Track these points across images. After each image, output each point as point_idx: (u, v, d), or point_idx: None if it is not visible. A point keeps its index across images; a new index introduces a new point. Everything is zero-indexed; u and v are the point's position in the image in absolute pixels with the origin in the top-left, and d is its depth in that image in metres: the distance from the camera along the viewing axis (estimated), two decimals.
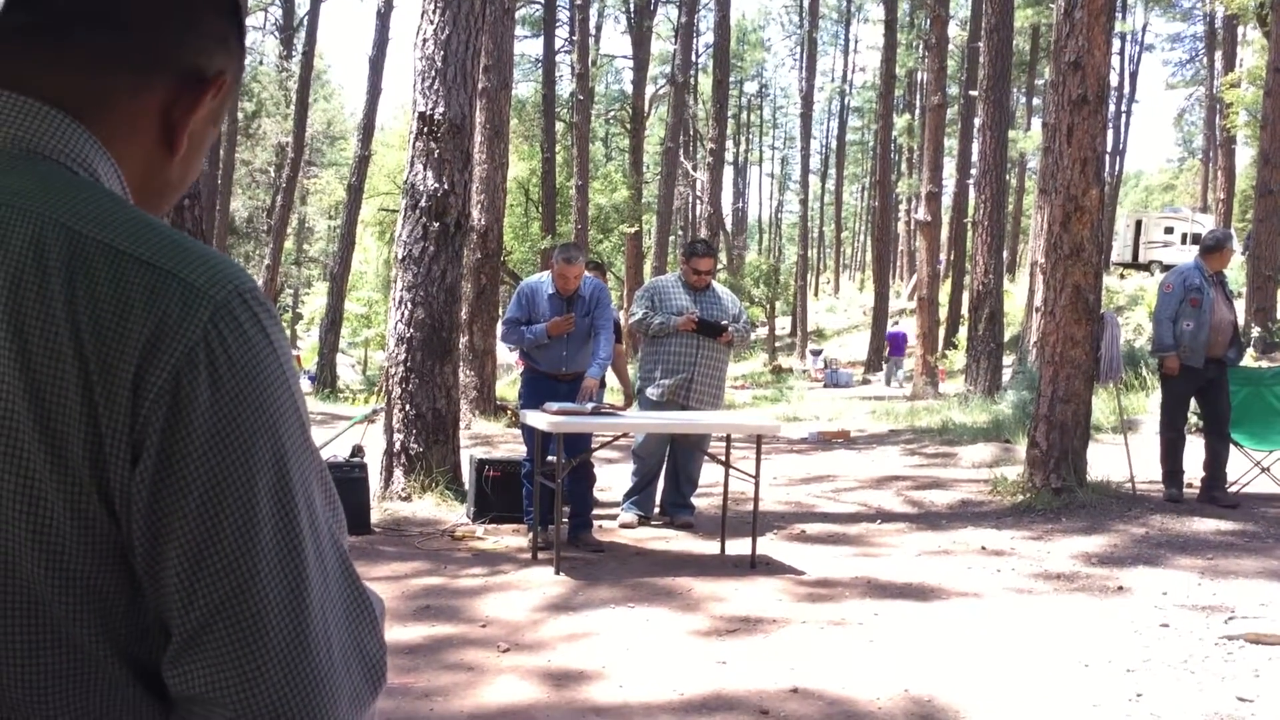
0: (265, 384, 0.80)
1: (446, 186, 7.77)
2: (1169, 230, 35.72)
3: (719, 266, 48.85)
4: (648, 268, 34.15)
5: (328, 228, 48.42)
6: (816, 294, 61.62)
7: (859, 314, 46.15)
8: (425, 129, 7.78)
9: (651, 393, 7.13)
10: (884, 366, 29.12)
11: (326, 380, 23.26)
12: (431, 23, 7.81)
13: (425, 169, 7.77)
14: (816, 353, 35.34)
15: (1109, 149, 46.99)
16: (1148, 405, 11.71)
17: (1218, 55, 40.86)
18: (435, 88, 7.78)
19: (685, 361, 7.06)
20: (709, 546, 6.62)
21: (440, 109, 7.76)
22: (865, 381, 29.18)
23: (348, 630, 0.85)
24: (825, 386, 27.85)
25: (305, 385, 26.03)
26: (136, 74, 0.88)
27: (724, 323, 7.08)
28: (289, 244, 43.30)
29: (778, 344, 42.98)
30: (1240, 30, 36.31)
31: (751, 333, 7.39)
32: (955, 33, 44.75)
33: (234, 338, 0.79)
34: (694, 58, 42.95)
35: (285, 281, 44.79)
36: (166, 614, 0.79)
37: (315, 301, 41.60)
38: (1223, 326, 7.72)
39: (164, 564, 0.77)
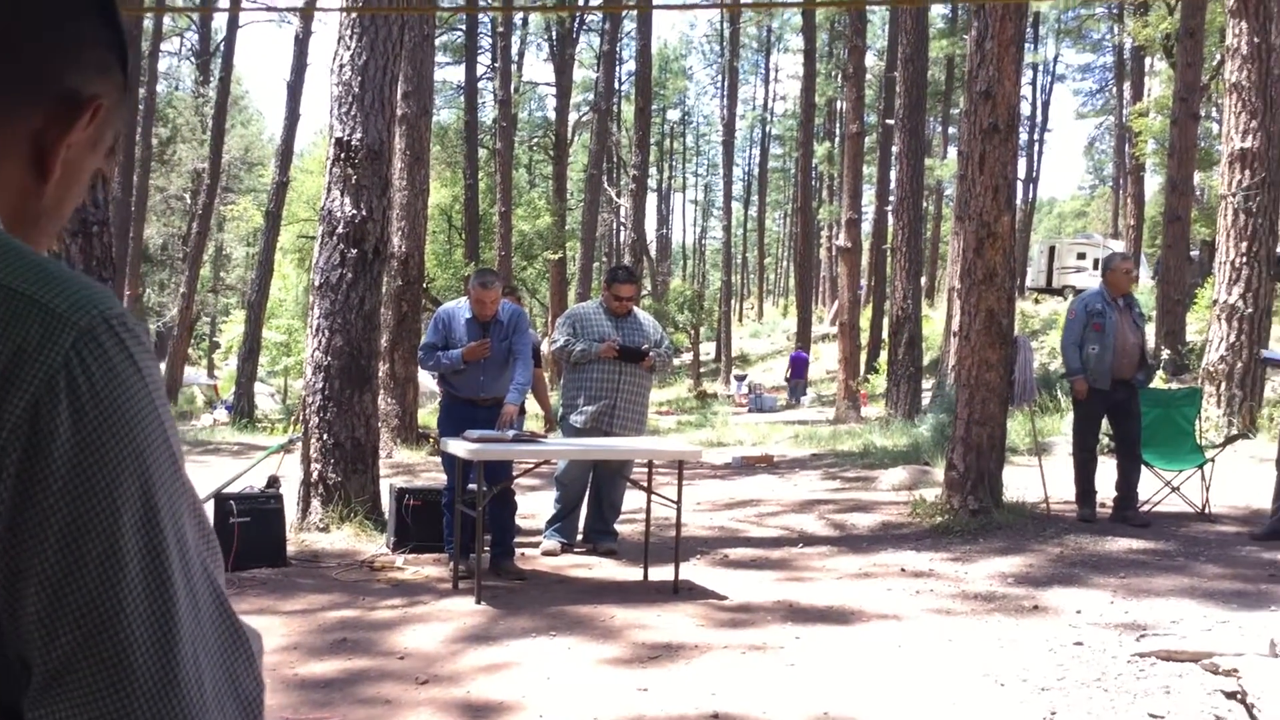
0: (131, 414, 0.76)
1: (364, 213, 7.68)
2: (1081, 256, 36.68)
3: (643, 292, 49.04)
4: (572, 294, 34.09)
5: (246, 255, 47.63)
6: (741, 319, 62.09)
7: (783, 339, 46.54)
8: (342, 155, 7.70)
9: (575, 420, 7.10)
10: (788, 388, 31.01)
11: (244, 410, 22.84)
12: (348, 49, 7.74)
13: (342, 195, 7.68)
14: (741, 378, 35.56)
15: (1022, 176, 48.18)
16: (1062, 427, 11.95)
17: (1127, 85, 42.18)
18: (352, 114, 7.70)
19: (608, 388, 7.05)
20: (632, 573, 6.60)
21: (357, 135, 7.69)
22: (789, 406, 29.42)
23: (222, 667, 0.82)
24: (750, 411, 28.03)
25: (222, 415, 25.52)
26: (6, 96, 0.84)
27: (645, 348, 7.09)
28: (206, 271, 42.55)
29: (703, 369, 43.16)
30: (1148, 61, 37.53)
31: (673, 358, 7.41)
32: (873, 62, 45.59)
33: (98, 365, 0.75)
34: (617, 85, 43.20)
35: (202, 310, 43.96)
36: (28, 652, 0.75)
37: (233, 330, 40.86)
38: (1128, 349, 7.90)
39: (23, 601, 0.74)
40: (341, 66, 7.77)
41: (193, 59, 40.82)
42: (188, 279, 28.58)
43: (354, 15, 7.79)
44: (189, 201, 35.18)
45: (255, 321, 24.81)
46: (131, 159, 27.74)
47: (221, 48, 32.07)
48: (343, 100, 7.73)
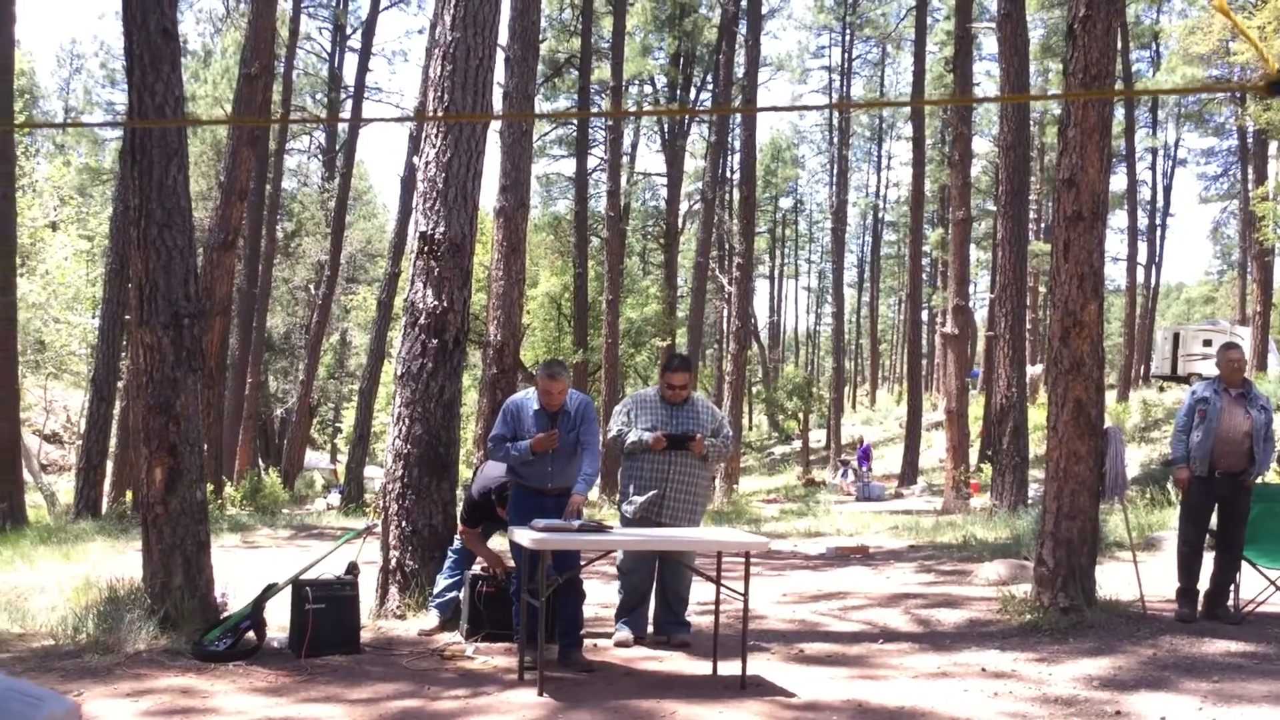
0: None
1: (445, 304, 7.88)
2: (1207, 343, 35.36)
3: (755, 379, 48.83)
4: None
5: (367, 343, 49.02)
6: (854, 406, 61.34)
7: (895, 426, 45.76)
8: (425, 248, 7.93)
9: (625, 509, 7.10)
10: (855, 476, 31.96)
11: (351, 494, 23.40)
12: (434, 146, 8.02)
13: (425, 287, 7.90)
14: (848, 464, 35.04)
15: (1143, 261, 46.96)
16: (1171, 521, 11.45)
17: (1250, 169, 40.90)
18: (436, 208, 7.95)
19: (657, 478, 6.99)
20: (702, 667, 6.49)
21: (440, 229, 7.92)
22: (898, 495, 28.79)
23: None
24: (857, 499, 27.54)
25: (336, 499, 26.07)
26: None
27: (695, 433, 7.01)
28: (329, 359, 43.89)
29: (812, 457, 42.64)
30: (1273, 145, 36.40)
31: (729, 448, 7.33)
32: (988, 148, 45.23)
33: None
34: (729, 174, 43.65)
35: (323, 397, 45.22)
36: None
37: (354, 416, 41.92)
38: (1232, 438, 7.58)
39: None
40: (427, 164, 8.05)
41: (319, 156, 42.61)
42: (307, 366, 29.53)
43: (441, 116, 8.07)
44: (312, 292, 36.47)
45: (365, 408, 25.47)
46: (257, 252, 28.97)
47: (343, 146, 33.48)
48: (427, 195, 7.99)
